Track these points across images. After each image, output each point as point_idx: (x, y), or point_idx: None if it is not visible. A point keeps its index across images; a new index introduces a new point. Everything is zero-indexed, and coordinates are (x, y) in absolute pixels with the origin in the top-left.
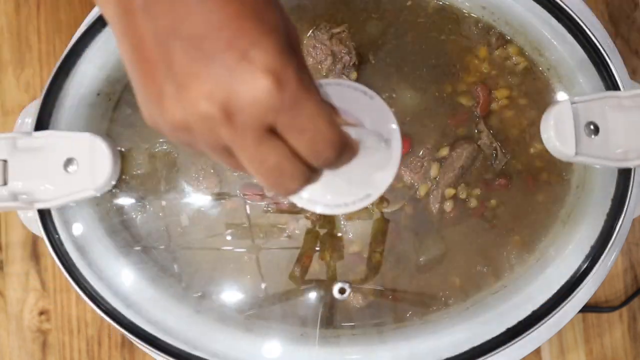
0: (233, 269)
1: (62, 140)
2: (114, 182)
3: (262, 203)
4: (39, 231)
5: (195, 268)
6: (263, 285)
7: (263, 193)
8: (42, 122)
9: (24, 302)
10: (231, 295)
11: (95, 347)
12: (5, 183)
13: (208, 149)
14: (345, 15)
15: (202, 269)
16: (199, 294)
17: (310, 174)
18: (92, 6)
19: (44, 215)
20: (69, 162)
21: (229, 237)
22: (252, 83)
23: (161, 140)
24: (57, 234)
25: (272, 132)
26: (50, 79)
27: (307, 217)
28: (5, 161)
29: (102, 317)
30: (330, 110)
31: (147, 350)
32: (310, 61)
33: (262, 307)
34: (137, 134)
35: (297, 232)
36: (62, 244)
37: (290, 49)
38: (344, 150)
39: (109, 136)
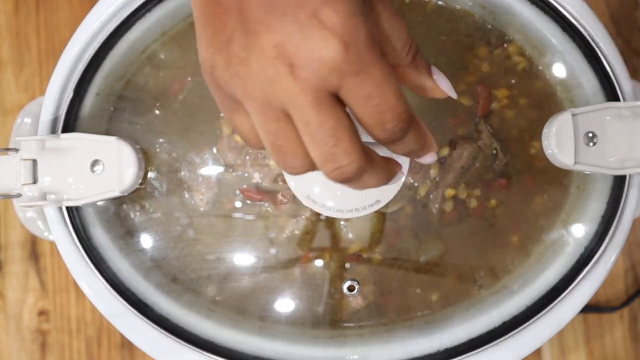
0: (232, 271)
1: (88, 143)
2: (138, 184)
3: (262, 204)
4: (40, 231)
5: (204, 272)
6: (262, 286)
7: (262, 194)
8: (68, 125)
9: (23, 303)
10: (231, 296)
11: (94, 348)
12: (35, 181)
13: (262, 104)
14: None
15: (211, 273)
16: (209, 298)
17: (366, 161)
18: (92, 5)
19: (70, 210)
20: (95, 163)
21: (227, 242)
22: (320, 42)
23: (161, 140)
24: (85, 229)
25: (335, 99)
26: (76, 82)
27: (306, 218)
28: (34, 161)
29: (104, 318)
30: (396, 81)
31: (177, 345)
32: None
33: (267, 309)
34: (137, 135)
35: (296, 232)
36: (89, 238)
37: (366, 8)
38: (410, 126)
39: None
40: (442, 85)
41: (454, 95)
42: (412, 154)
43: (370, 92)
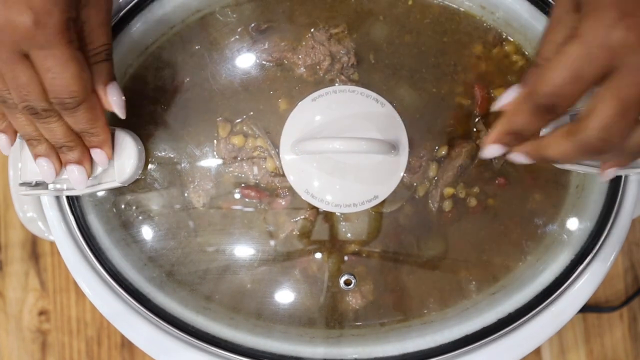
0: (228, 268)
1: None
2: (138, 175)
3: (261, 204)
4: (41, 231)
5: (199, 270)
6: (261, 286)
7: (260, 193)
8: None
9: (24, 303)
10: (232, 296)
11: (94, 348)
12: None
13: None
14: (344, 15)
15: (208, 273)
16: (205, 296)
17: (64, 110)
18: None
19: (67, 199)
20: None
21: (224, 241)
22: (17, 14)
23: (163, 145)
24: (84, 217)
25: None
26: None
27: (305, 218)
28: None
29: (104, 318)
30: (80, 68)
31: (175, 335)
32: (308, 62)
33: (264, 307)
34: (137, 130)
35: (295, 232)
36: (84, 230)
37: (70, 5)
38: (80, 106)
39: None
40: (111, 99)
41: (120, 114)
42: (85, 135)
43: (50, 67)
